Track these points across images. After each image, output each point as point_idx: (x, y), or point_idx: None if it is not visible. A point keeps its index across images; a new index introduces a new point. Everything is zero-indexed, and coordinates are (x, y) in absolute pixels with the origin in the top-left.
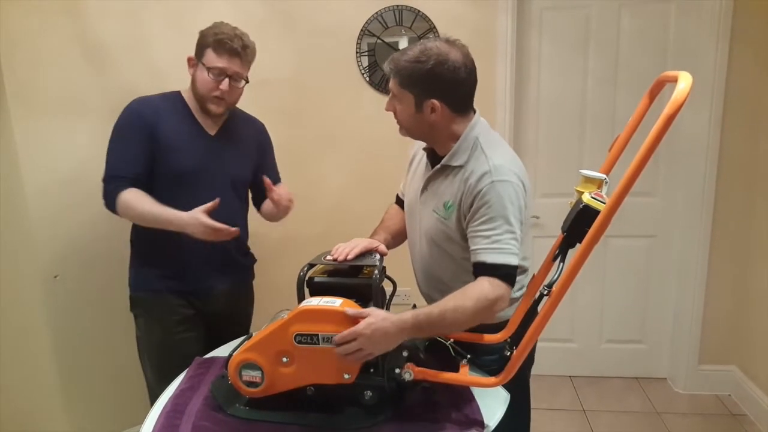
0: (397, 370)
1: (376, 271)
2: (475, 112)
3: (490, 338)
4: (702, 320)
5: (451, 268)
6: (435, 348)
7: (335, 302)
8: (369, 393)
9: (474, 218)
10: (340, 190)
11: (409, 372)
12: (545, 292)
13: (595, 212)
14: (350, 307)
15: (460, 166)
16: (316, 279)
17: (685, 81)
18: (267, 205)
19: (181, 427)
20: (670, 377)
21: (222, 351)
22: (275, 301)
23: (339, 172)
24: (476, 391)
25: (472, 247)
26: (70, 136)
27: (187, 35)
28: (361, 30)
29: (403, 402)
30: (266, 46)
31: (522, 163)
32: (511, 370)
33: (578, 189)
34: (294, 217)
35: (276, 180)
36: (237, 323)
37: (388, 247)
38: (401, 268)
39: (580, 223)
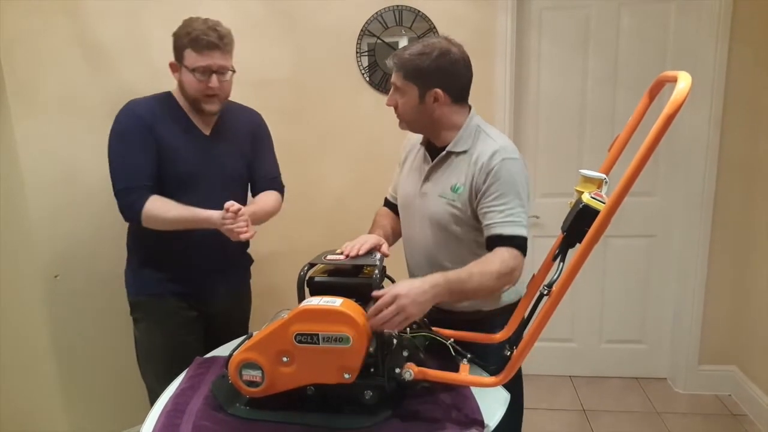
0: (398, 370)
1: (377, 271)
2: (470, 107)
3: (490, 338)
4: (702, 320)
5: (457, 252)
6: (435, 348)
7: (335, 302)
8: (369, 393)
9: (486, 194)
10: (339, 190)
11: (410, 371)
12: (545, 292)
13: (595, 212)
14: (350, 306)
15: (464, 151)
16: (317, 279)
17: (684, 81)
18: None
19: (182, 426)
20: (670, 377)
21: (222, 351)
22: (275, 300)
23: (339, 171)
24: (476, 391)
25: (487, 222)
26: (70, 135)
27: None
28: (361, 30)
29: (403, 402)
30: (266, 46)
31: None
32: (511, 370)
33: (578, 189)
34: (294, 217)
35: (271, 171)
36: (236, 324)
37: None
38: (402, 268)
39: (580, 223)
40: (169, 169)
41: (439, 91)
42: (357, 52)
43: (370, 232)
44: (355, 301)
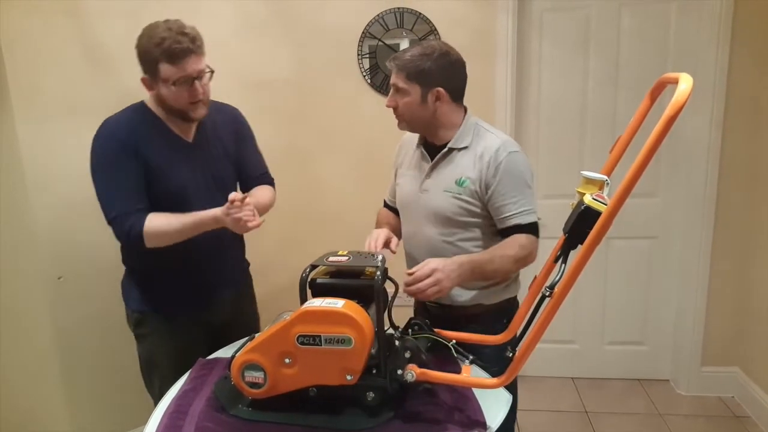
0: (400, 371)
1: (378, 273)
2: (465, 107)
3: (492, 339)
4: (704, 321)
5: (461, 245)
6: (437, 349)
7: (337, 303)
8: (371, 394)
9: (498, 188)
10: (340, 192)
11: (412, 373)
12: (547, 294)
13: (597, 213)
14: (352, 308)
15: (466, 147)
16: (319, 280)
17: (685, 83)
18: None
19: (185, 428)
20: (672, 379)
21: (225, 352)
22: (277, 302)
23: (340, 173)
24: (478, 392)
25: (504, 215)
26: (72, 136)
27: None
28: (363, 32)
29: (405, 403)
30: (268, 48)
31: None
32: (513, 371)
33: (579, 190)
34: (295, 218)
35: (260, 167)
36: (245, 328)
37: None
38: (403, 269)
39: (582, 225)
40: (159, 186)
41: (441, 89)
42: (358, 54)
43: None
44: (357, 303)
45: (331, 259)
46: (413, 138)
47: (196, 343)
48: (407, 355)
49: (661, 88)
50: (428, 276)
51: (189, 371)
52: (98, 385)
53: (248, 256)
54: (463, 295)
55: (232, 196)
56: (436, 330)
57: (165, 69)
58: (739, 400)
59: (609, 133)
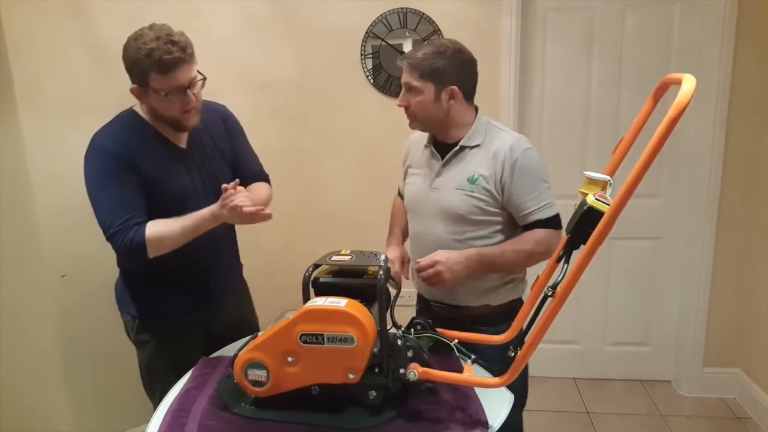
0: (402, 370)
1: (381, 272)
2: (476, 106)
3: (494, 339)
4: (707, 322)
5: (471, 243)
6: (439, 348)
7: (340, 302)
8: (373, 393)
9: (515, 186)
10: (344, 192)
11: (414, 372)
12: (549, 293)
13: (600, 214)
14: (355, 307)
15: (478, 145)
16: (321, 279)
17: (689, 83)
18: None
19: (188, 425)
20: (674, 380)
21: (228, 350)
22: (280, 301)
23: (343, 173)
24: (480, 392)
25: (524, 212)
26: (77, 135)
27: (191, 36)
28: (366, 32)
29: (408, 402)
30: (270, 48)
31: None
32: (515, 371)
33: (582, 190)
34: (298, 218)
35: (254, 165)
36: (243, 331)
37: (404, 238)
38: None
39: (584, 225)
40: (158, 194)
41: (455, 88)
42: (361, 55)
43: (390, 227)
44: (360, 302)
45: (334, 258)
46: (421, 137)
47: (195, 347)
48: (409, 354)
49: (664, 89)
50: (430, 266)
51: (192, 369)
52: (101, 384)
53: (251, 255)
54: (470, 296)
55: (224, 186)
56: (438, 329)
57: (156, 80)
58: (740, 401)
59: (612, 134)
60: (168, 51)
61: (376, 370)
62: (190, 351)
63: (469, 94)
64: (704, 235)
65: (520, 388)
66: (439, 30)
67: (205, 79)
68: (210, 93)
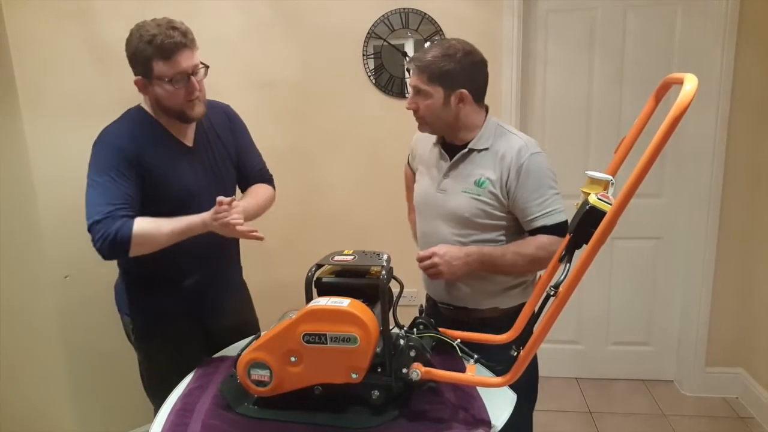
0: (405, 370)
1: (384, 272)
2: (487, 107)
3: (497, 338)
4: (709, 322)
5: (478, 244)
6: (442, 348)
7: (343, 302)
8: (376, 392)
9: (521, 190)
10: (345, 192)
11: (417, 371)
12: (552, 293)
13: (602, 213)
14: (358, 307)
15: (486, 148)
16: (324, 279)
17: (690, 83)
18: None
19: (191, 425)
20: (676, 379)
21: (231, 350)
22: (282, 301)
23: (345, 174)
24: (483, 391)
25: (528, 217)
26: (80, 137)
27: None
28: (368, 32)
29: (410, 402)
30: (272, 48)
31: None
32: (517, 370)
33: (584, 190)
34: (300, 218)
35: (257, 163)
36: (243, 333)
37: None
38: (407, 269)
39: (587, 225)
40: (164, 192)
41: (464, 91)
42: (363, 55)
43: (408, 199)
44: (363, 302)
45: (337, 258)
46: (429, 135)
47: (196, 350)
48: (412, 353)
49: (666, 89)
50: (428, 258)
51: (195, 370)
52: (104, 384)
53: (253, 255)
54: (478, 298)
55: (220, 199)
56: (440, 329)
57: (158, 66)
58: (743, 401)
59: (614, 134)
60: (169, 36)
61: (379, 369)
62: (189, 353)
63: (479, 96)
64: (706, 234)
65: (529, 388)
66: (440, 30)
67: (207, 67)
68: (212, 93)
